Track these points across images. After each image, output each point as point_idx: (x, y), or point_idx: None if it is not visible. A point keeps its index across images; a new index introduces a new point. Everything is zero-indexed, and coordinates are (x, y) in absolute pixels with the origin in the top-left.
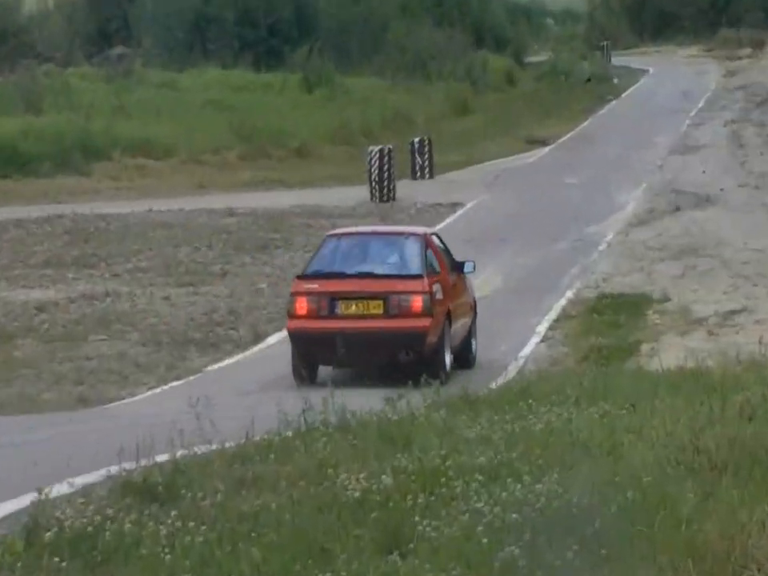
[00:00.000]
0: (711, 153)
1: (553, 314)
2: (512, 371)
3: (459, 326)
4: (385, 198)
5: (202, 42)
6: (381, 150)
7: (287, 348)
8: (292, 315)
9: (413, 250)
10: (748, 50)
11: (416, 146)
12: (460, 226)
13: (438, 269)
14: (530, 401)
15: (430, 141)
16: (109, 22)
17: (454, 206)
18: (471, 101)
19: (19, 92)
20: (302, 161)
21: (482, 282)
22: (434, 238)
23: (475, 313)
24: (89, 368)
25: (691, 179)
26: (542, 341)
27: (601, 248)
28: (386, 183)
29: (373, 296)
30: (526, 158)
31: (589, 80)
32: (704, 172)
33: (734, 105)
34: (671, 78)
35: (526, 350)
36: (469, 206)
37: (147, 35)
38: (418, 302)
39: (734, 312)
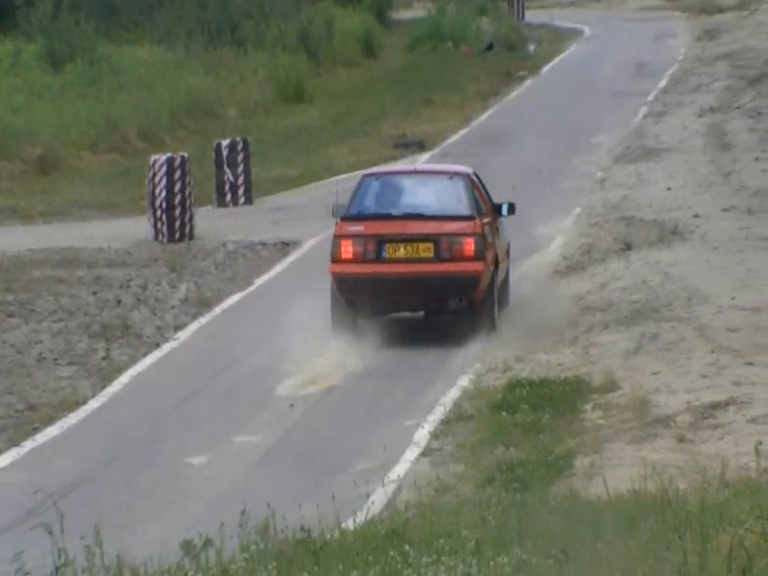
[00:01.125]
0: (680, 159)
1: (439, 413)
2: (378, 502)
3: (502, 270)
4: (177, 236)
5: None
6: (169, 161)
7: (28, 474)
8: (336, 259)
9: (460, 189)
10: None
11: (225, 153)
12: (295, 277)
13: (484, 210)
14: (407, 547)
15: (246, 145)
16: None
17: (285, 246)
18: (309, 81)
19: None
20: (45, 178)
21: (331, 363)
22: (476, 178)
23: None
24: None
25: (649, 200)
26: (423, 455)
27: (512, 308)
28: (178, 213)
29: (423, 238)
30: None
31: (490, 47)
32: (669, 189)
33: (714, 84)
34: (617, 43)
35: (399, 470)
36: (308, 246)
37: None
38: (470, 245)
39: (716, 405)
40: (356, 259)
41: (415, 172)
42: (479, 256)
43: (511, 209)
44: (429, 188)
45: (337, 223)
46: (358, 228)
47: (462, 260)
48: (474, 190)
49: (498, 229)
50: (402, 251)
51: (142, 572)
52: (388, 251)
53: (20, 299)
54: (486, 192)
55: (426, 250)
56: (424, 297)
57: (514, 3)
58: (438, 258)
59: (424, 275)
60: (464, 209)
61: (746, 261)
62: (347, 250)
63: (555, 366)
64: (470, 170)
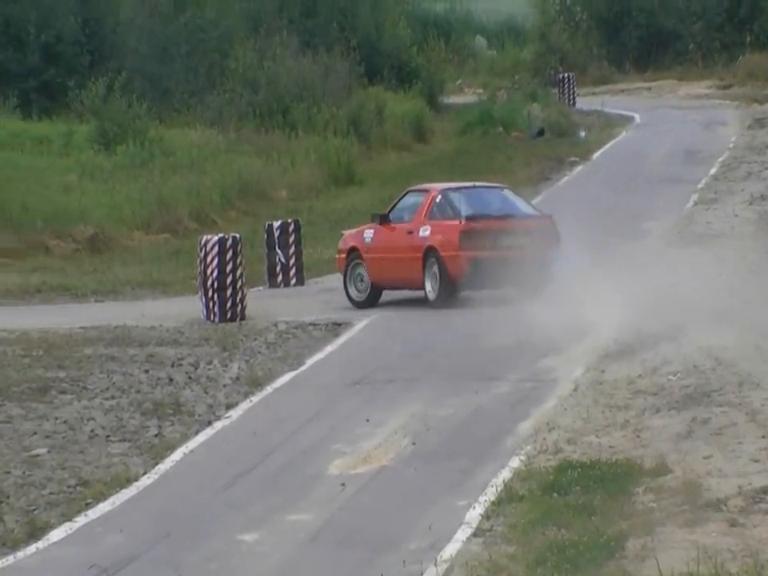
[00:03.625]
0: (731, 246)
1: (490, 494)
2: None
3: None
4: (228, 316)
5: None
6: (221, 242)
7: (80, 549)
8: (466, 248)
9: (517, 197)
10: None
11: (276, 234)
12: (345, 359)
13: None
14: None
15: (297, 226)
16: None
17: (337, 327)
18: (359, 164)
19: None
20: (97, 257)
21: (381, 445)
22: None
23: None
24: None
25: (700, 286)
26: (474, 535)
27: (563, 391)
28: (229, 293)
29: (523, 231)
30: None
31: (541, 133)
32: (721, 276)
33: (765, 171)
34: (668, 130)
35: (450, 550)
36: (359, 326)
37: None
38: (553, 233)
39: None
40: (478, 248)
41: (475, 187)
42: (558, 241)
43: None
44: (497, 196)
45: (460, 222)
46: (479, 224)
47: (549, 245)
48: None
49: None
50: (508, 241)
51: None
52: (500, 241)
53: (72, 376)
54: None
55: (519, 239)
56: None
57: (564, 90)
58: (533, 245)
59: (528, 257)
60: (539, 210)
61: None
62: (465, 239)
63: (607, 449)
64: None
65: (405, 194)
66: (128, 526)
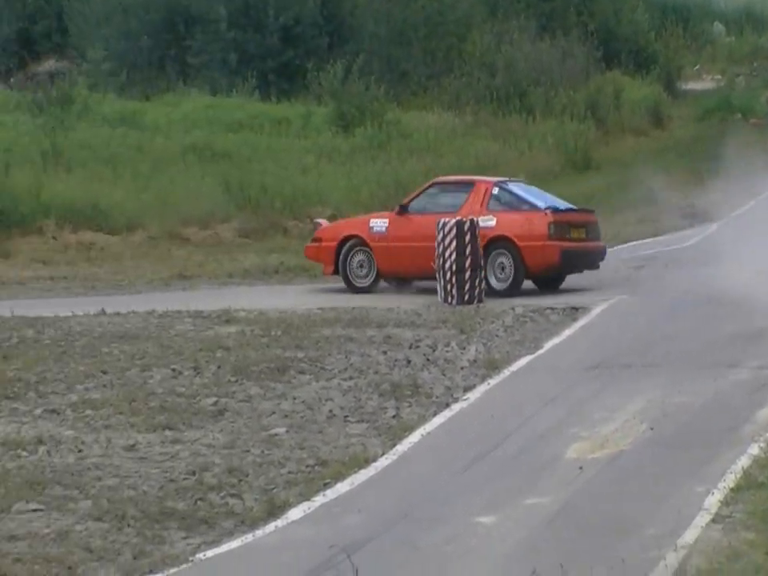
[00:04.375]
0: None
1: (729, 481)
2: (669, 568)
3: None
4: (466, 298)
5: (179, 55)
6: (459, 224)
7: (319, 528)
8: (554, 239)
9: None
10: None
11: None
12: (583, 343)
13: None
14: None
15: None
16: (34, 21)
17: (574, 311)
18: (596, 149)
19: None
20: None
21: (618, 430)
22: None
23: None
24: (13, 553)
25: None
26: (713, 521)
27: None
28: (467, 276)
29: (583, 224)
30: (682, 238)
31: None
32: None
33: None
34: None
35: (689, 536)
36: (596, 311)
37: (94, 43)
38: (599, 228)
39: None
40: (559, 238)
41: (511, 181)
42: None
43: None
44: (537, 191)
45: (546, 213)
46: (563, 217)
47: (599, 239)
48: None
49: None
50: (574, 233)
51: None
52: (571, 233)
53: (310, 357)
54: None
55: (582, 232)
56: (590, 262)
57: None
58: (588, 238)
59: (593, 248)
60: (583, 206)
61: None
62: (557, 230)
63: None
64: None
65: (429, 186)
66: (366, 507)
